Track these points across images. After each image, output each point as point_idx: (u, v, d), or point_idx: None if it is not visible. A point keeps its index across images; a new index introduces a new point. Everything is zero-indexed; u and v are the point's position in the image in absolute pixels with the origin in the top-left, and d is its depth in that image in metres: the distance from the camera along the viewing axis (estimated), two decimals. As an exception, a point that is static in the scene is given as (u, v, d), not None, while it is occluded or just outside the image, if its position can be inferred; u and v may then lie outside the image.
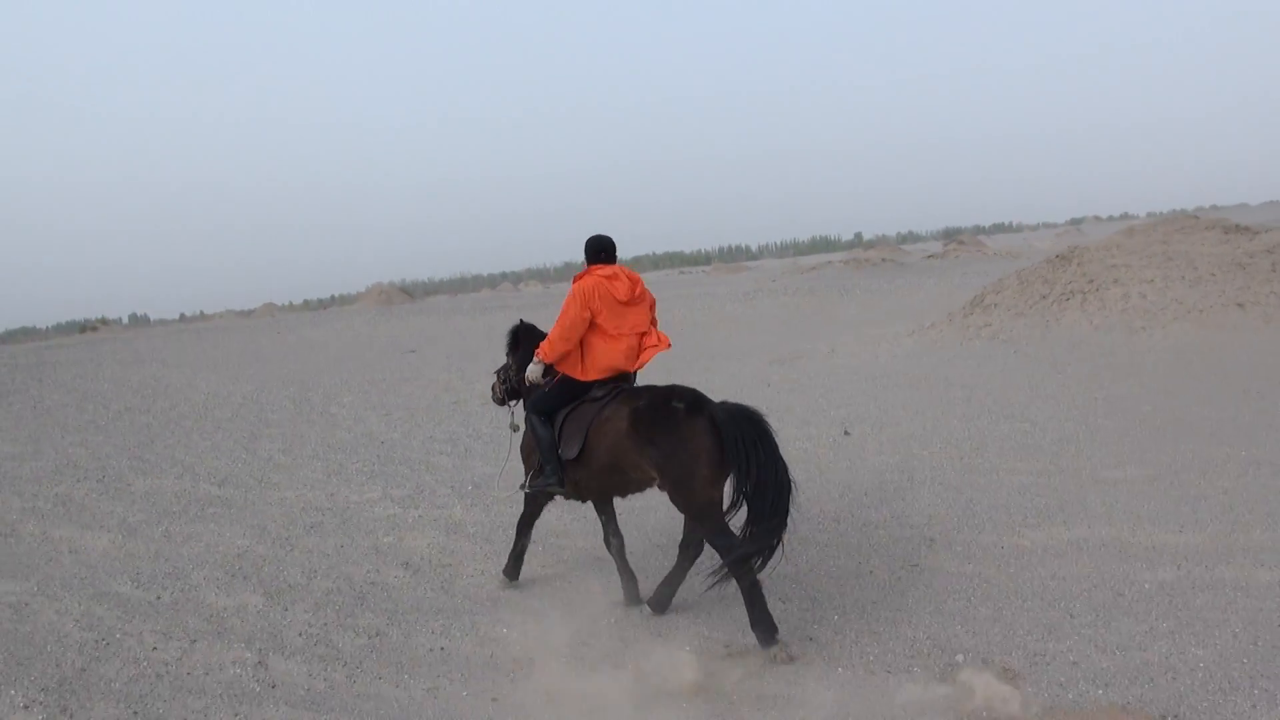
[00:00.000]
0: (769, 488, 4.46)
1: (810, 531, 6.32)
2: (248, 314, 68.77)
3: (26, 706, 4.41)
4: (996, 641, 4.50)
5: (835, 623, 4.85)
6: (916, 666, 4.31)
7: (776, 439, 4.63)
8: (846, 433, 9.36)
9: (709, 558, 4.82)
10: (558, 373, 5.21)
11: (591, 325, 5.02)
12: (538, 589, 5.66)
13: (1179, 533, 5.83)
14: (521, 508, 5.64)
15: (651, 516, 6.80)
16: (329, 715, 4.22)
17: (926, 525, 6.30)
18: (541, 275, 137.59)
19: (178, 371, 20.99)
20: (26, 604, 5.80)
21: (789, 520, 4.53)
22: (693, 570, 5.06)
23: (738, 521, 4.62)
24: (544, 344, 5.19)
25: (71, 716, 4.31)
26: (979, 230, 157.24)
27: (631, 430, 4.68)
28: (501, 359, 5.97)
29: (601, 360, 5.05)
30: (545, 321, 5.66)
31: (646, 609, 5.12)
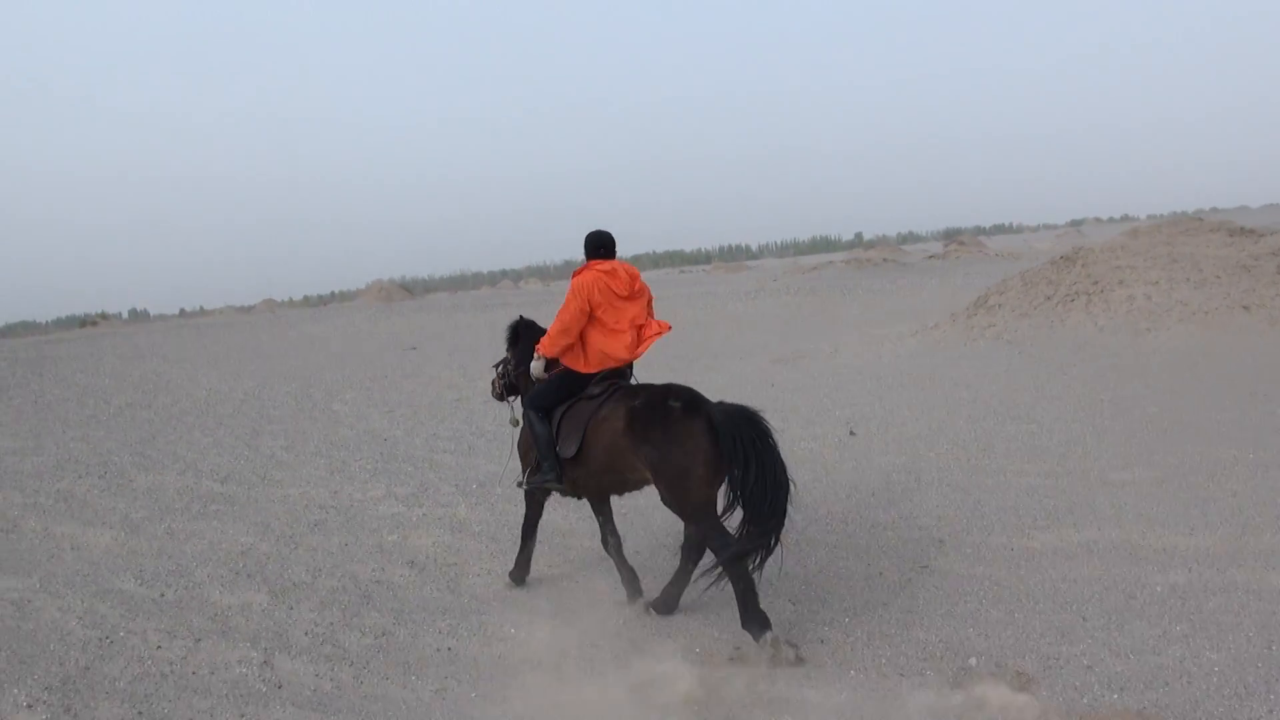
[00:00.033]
0: (768, 487, 4.44)
1: (819, 533, 6.28)
2: (248, 310, 68.75)
3: (30, 705, 4.36)
4: (1009, 645, 4.46)
5: (846, 625, 4.81)
6: (929, 670, 4.27)
7: (775, 438, 4.60)
8: (852, 433, 9.33)
9: (712, 558, 4.79)
10: (558, 366, 5.24)
11: (591, 319, 5.05)
12: (544, 589, 5.62)
13: (1189, 535, 5.79)
14: (524, 507, 5.63)
15: (658, 516, 6.75)
16: (336, 717, 4.18)
17: (935, 527, 6.26)
18: (542, 273, 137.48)
19: (178, 367, 20.95)
20: (29, 601, 5.76)
21: (787, 520, 4.52)
22: (695, 571, 5.03)
23: (732, 521, 4.61)
24: (544, 339, 5.22)
25: (75, 716, 4.27)
26: (979, 231, 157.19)
27: (628, 429, 4.68)
28: (502, 354, 5.98)
29: (602, 352, 5.08)
30: (546, 319, 5.64)
31: (652, 610, 5.08)
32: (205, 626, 5.24)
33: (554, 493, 5.44)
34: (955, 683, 4.13)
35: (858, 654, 4.48)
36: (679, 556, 5.06)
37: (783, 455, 4.59)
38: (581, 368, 5.11)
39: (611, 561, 5.46)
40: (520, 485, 5.43)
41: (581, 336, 5.09)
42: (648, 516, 6.77)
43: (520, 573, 5.62)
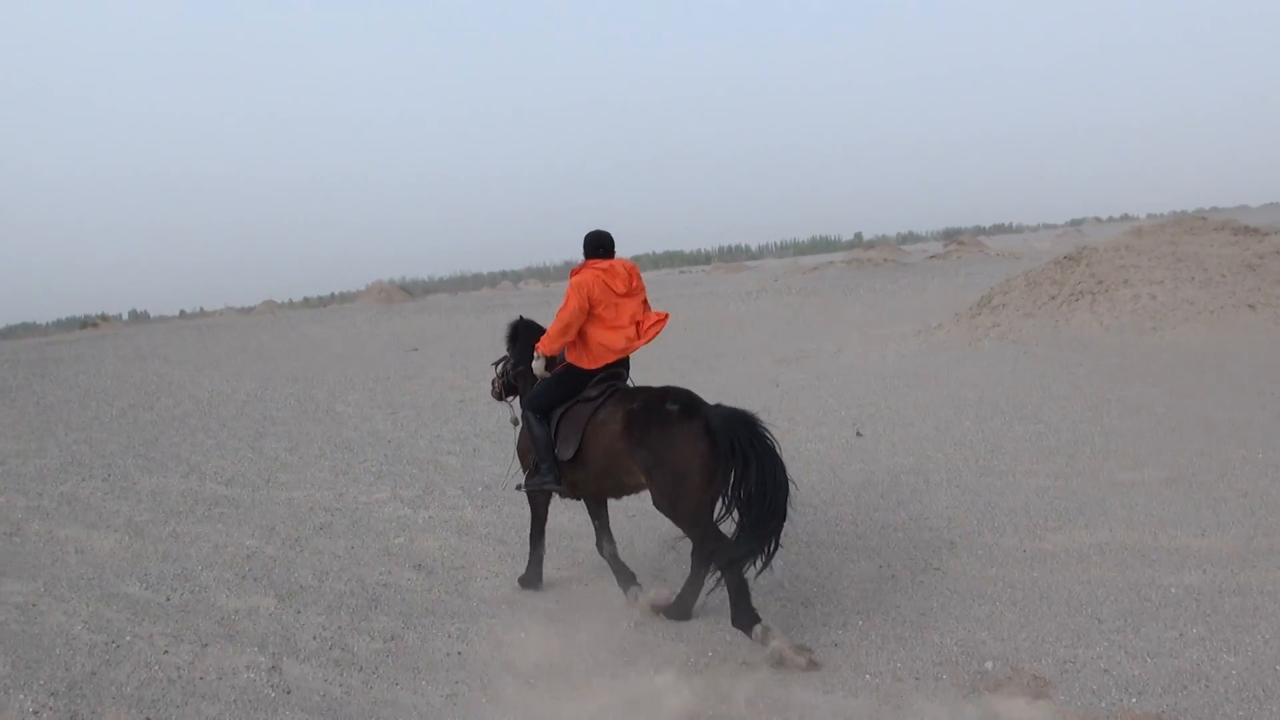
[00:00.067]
0: (767, 490, 4.42)
1: (829, 535, 6.24)
2: (248, 311, 68.74)
3: (36, 712, 4.32)
4: (1025, 648, 4.42)
5: (860, 628, 4.76)
6: (945, 674, 4.22)
7: (774, 441, 4.59)
8: (859, 434, 9.28)
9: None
10: (560, 362, 5.27)
11: (592, 315, 5.07)
12: (554, 592, 5.58)
13: (1201, 536, 5.75)
14: (528, 508, 5.62)
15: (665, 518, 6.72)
16: (346, 722, 4.14)
17: (946, 528, 6.22)
18: (541, 274, 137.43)
19: (180, 368, 20.91)
20: (34, 605, 5.72)
21: (789, 523, 4.50)
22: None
23: (729, 524, 4.59)
24: (544, 338, 5.25)
25: (83, 722, 4.23)
26: (979, 231, 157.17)
27: (625, 433, 4.70)
28: (501, 352, 6.01)
29: (602, 345, 5.11)
30: (545, 320, 5.64)
31: (665, 616, 5.04)
32: (212, 631, 5.19)
33: (556, 495, 5.43)
34: (971, 688, 4.09)
35: (872, 658, 4.44)
36: (690, 562, 5.02)
37: (782, 457, 4.58)
38: (584, 363, 5.13)
39: (609, 566, 5.44)
40: (519, 488, 5.43)
41: (582, 332, 5.12)
42: (656, 519, 6.71)
43: (533, 578, 5.58)
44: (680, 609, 4.97)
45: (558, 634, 4.84)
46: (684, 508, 4.55)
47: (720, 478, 4.47)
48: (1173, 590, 5.00)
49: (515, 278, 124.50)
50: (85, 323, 57.06)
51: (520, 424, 5.47)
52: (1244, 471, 7.03)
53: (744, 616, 4.45)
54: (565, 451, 5.01)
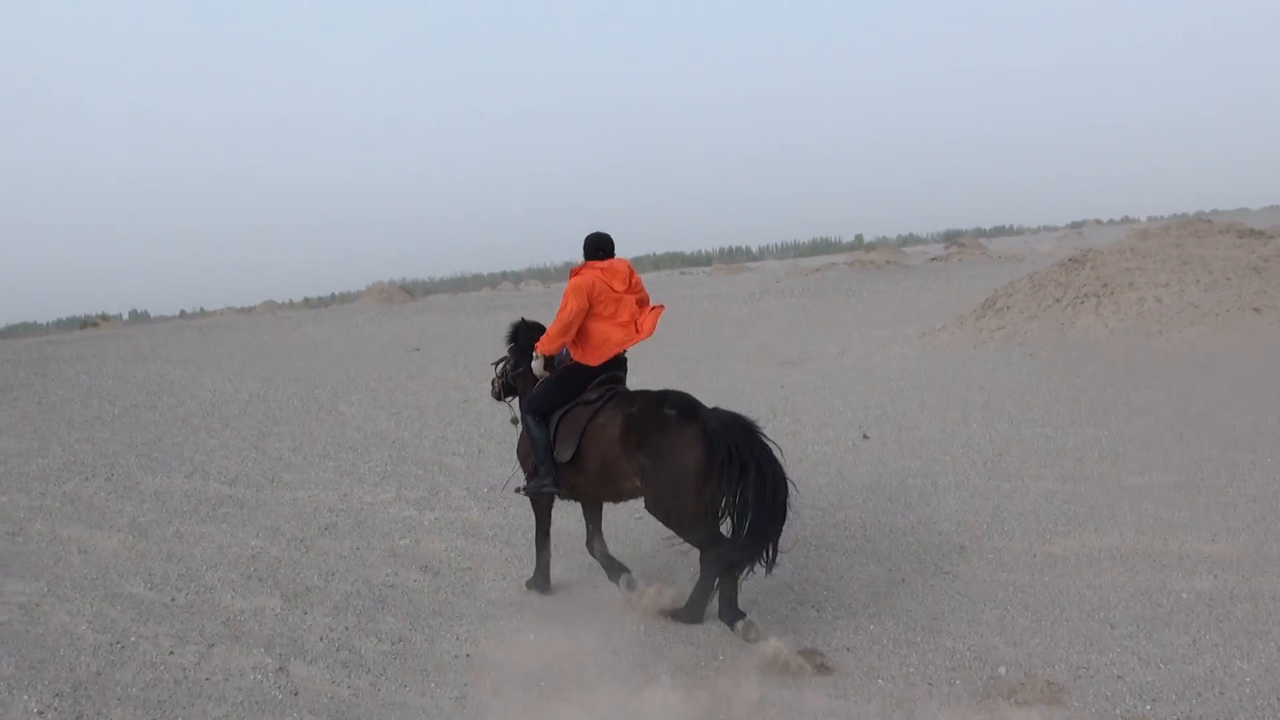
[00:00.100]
0: (766, 493, 4.44)
1: (837, 538, 6.21)
2: (248, 311, 68.67)
3: (41, 712, 4.29)
4: (1038, 653, 4.38)
5: (871, 632, 4.73)
6: (958, 679, 4.19)
7: (771, 444, 4.61)
8: (866, 436, 9.25)
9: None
10: (561, 363, 5.32)
11: (592, 312, 5.14)
12: (562, 594, 5.55)
13: (1211, 541, 5.72)
14: (531, 510, 5.62)
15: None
16: (354, 725, 4.11)
17: (956, 531, 6.19)
18: (542, 275, 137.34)
19: (182, 368, 20.88)
20: (37, 605, 5.68)
21: (792, 526, 4.58)
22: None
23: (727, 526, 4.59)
24: (544, 337, 5.30)
25: (89, 723, 4.20)
26: (980, 233, 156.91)
27: (623, 437, 4.73)
28: (502, 352, 6.03)
29: (604, 344, 5.17)
30: (546, 320, 5.65)
31: (676, 620, 5.01)
32: (218, 631, 5.16)
33: (559, 497, 5.43)
34: (985, 694, 4.05)
35: (884, 662, 4.40)
36: (699, 565, 5.00)
37: (780, 459, 4.59)
38: (587, 359, 5.18)
39: (630, 565, 5.43)
40: (519, 491, 5.43)
41: (582, 328, 5.18)
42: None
43: (540, 580, 5.55)
44: (692, 612, 4.95)
45: (566, 637, 4.81)
46: (678, 511, 4.58)
47: (715, 482, 4.49)
48: (1184, 596, 4.98)
49: (516, 278, 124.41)
50: (85, 322, 57.00)
51: (520, 425, 5.48)
52: (1253, 476, 7.00)
53: (729, 609, 4.56)
54: (564, 454, 5.05)
